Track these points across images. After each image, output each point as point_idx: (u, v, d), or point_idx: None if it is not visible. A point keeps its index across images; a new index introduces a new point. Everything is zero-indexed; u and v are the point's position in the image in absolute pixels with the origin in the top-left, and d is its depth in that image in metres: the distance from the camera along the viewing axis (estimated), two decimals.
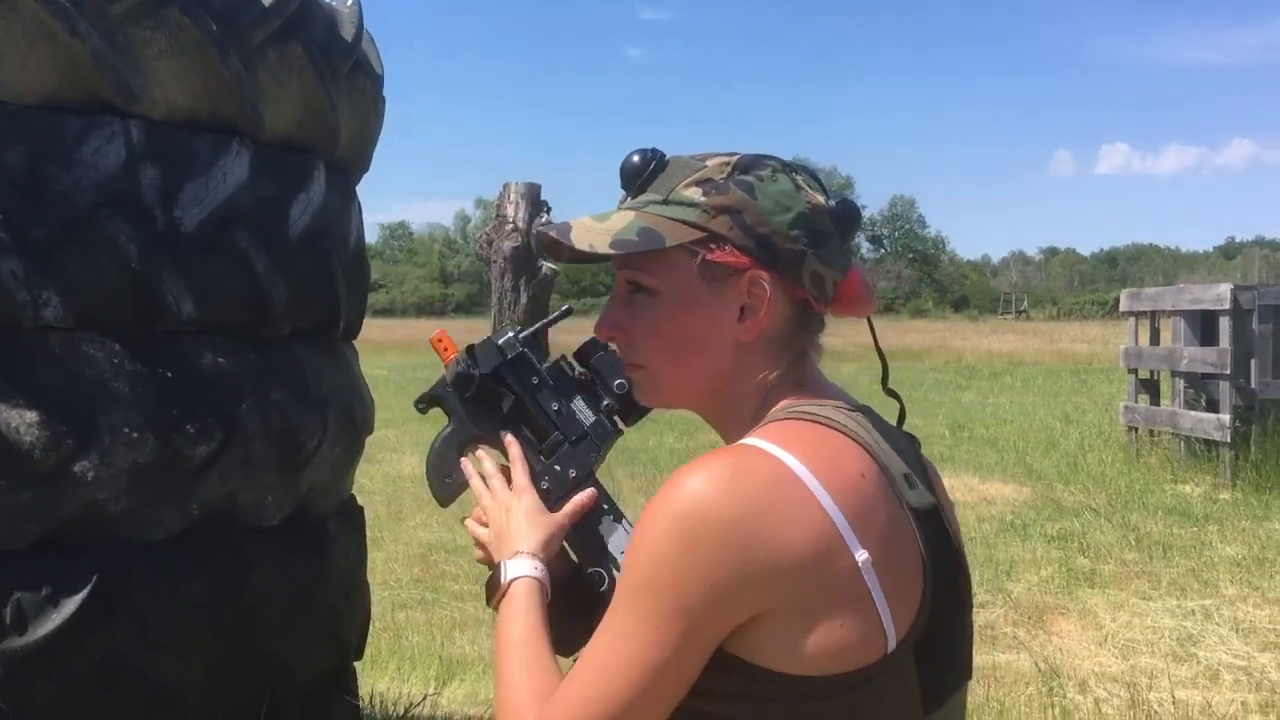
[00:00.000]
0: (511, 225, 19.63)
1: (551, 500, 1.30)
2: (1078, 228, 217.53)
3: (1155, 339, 9.06)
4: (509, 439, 1.34)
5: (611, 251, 1.10)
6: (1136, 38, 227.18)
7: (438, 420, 1.49)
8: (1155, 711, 3.60)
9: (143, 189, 2.12)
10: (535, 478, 1.32)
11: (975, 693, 3.81)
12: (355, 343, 2.80)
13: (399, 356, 22.75)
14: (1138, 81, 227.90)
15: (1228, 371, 7.55)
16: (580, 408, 1.36)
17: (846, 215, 1.13)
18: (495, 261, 20.19)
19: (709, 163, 1.12)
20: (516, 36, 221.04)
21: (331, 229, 2.48)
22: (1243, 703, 3.70)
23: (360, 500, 2.81)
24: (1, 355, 1.98)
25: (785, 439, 1.02)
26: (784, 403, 1.11)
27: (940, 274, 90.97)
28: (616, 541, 1.30)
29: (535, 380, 1.36)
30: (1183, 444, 8.20)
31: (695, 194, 1.10)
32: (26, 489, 1.98)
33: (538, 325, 1.43)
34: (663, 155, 1.15)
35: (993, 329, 38.25)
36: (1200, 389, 8.24)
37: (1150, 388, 9.12)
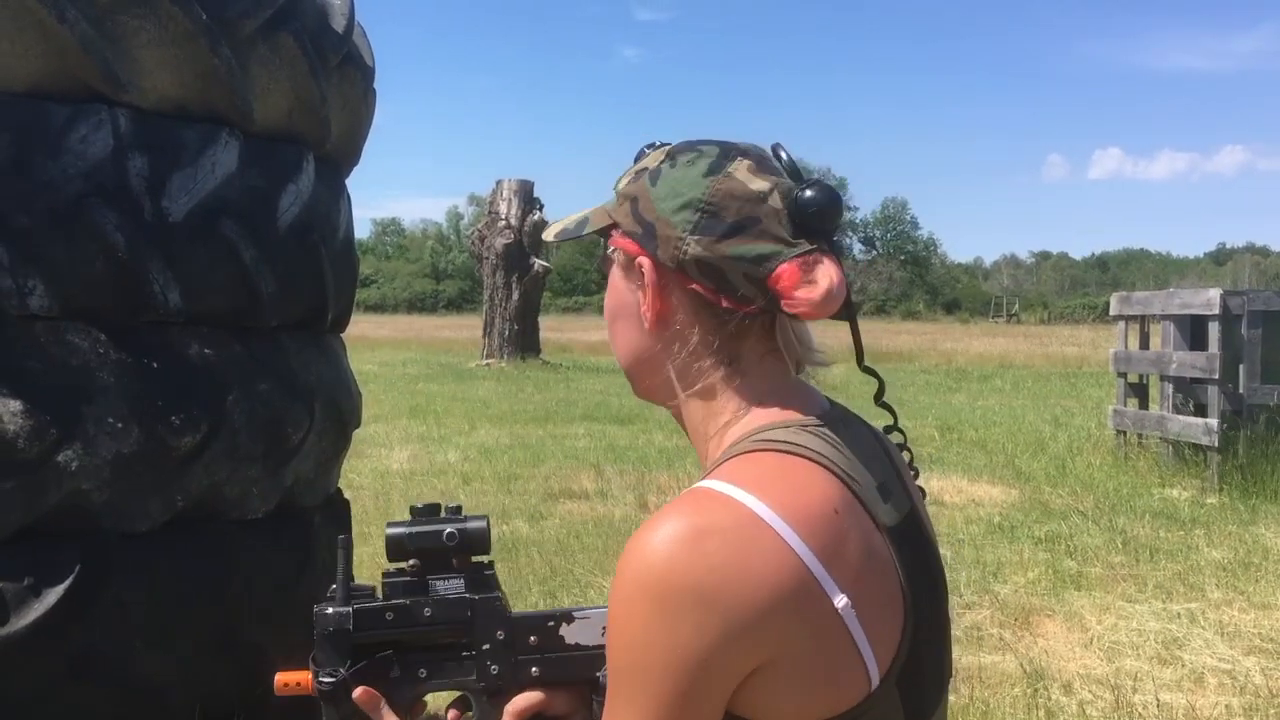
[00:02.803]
0: (504, 222, 19.63)
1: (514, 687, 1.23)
2: (1070, 232, 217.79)
3: (1145, 343, 9.07)
4: (357, 693, 1.21)
5: (555, 240, 1.16)
6: (1130, 43, 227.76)
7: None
8: (1140, 714, 3.60)
9: (130, 178, 2.11)
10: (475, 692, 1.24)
11: (960, 693, 3.81)
12: (345, 338, 2.79)
13: (389, 353, 22.72)
14: (1131, 87, 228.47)
15: (1216, 376, 7.57)
16: (445, 590, 1.25)
17: (813, 205, 1.01)
18: (487, 258, 20.19)
19: (655, 152, 1.09)
20: (512, 34, 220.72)
21: (320, 221, 2.47)
22: (1227, 706, 3.71)
23: (348, 495, 2.80)
24: None
25: (747, 478, 0.94)
26: (743, 423, 1.03)
27: (932, 276, 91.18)
28: (583, 633, 1.24)
29: (389, 616, 1.24)
30: (1170, 448, 8.22)
31: (623, 182, 1.09)
32: (9, 478, 1.97)
33: (341, 576, 1.26)
34: (663, 147, 1.10)
35: (983, 331, 38.33)
36: (1189, 394, 8.26)
37: (1139, 392, 9.14)
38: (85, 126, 2.07)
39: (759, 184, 1.02)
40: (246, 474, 2.23)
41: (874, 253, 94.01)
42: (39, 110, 2.04)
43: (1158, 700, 3.71)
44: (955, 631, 4.54)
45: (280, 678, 1.27)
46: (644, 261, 1.04)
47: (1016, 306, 72.70)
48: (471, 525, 1.24)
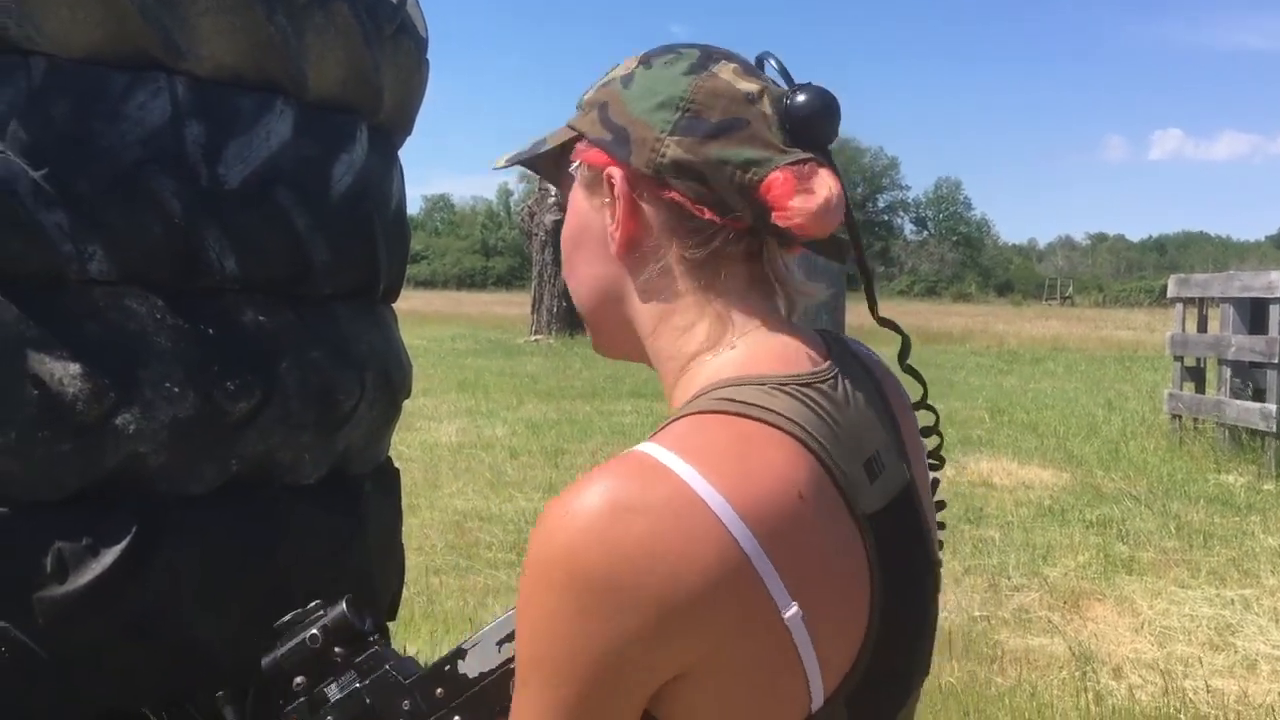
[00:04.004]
0: (553, 199, 19.64)
1: None
2: (1127, 214, 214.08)
3: (1203, 326, 8.90)
4: None
5: (505, 165, 1.01)
6: (1192, 22, 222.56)
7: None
8: (1190, 700, 3.55)
9: (187, 145, 2.13)
10: None
11: (1008, 675, 3.78)
12: (396, 313, 2.81)
13: (438, 328, 22.87)
14: (1193, 67, 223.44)
15: (1276, 360, 7.41)
16: (339, 691, 1.18)
17: (807, 110, 0.89)
18: (536, 234, 20.24)
19: (627, 60, 0.96)
20: (562, 10, 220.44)
21: (373, 190, 2.49)
22: (1279, 693, 3.65)
23: (398, 467, 2.82)
24: (46, 308, 2.00)
25: (693, 447, 0.79)
26: (715, 364, 0.90)
27: (984, 258, 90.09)
28: (483, 659, 1.16)
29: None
30: (1227, 433, 8.07)
31: (589, 94, 0.96)
32: (69, 440, 2.00)
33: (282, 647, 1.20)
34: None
35: (1037, 314, 37.79)
36: (1247, 378, 8.10)
37: (1196, 375, 8.98)
38: (144, 94, 2.09)
39: (746, 85, 0.90)
40: (299, 440, 2.26)
41: (926, 234, 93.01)
42: (99, 77, 2.07)
43: (1208, 686, 3.66)
44: (1002, 613, 4.50)
45: None
46: (614, 171, 0.90)
47: (1070, 289, 71.65)
48: (331, 616, 1.18)
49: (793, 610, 0.77)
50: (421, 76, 2.76)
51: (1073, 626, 4.41)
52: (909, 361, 1.01)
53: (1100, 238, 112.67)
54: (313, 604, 1.19)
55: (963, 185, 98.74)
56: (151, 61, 2.11)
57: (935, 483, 1.02)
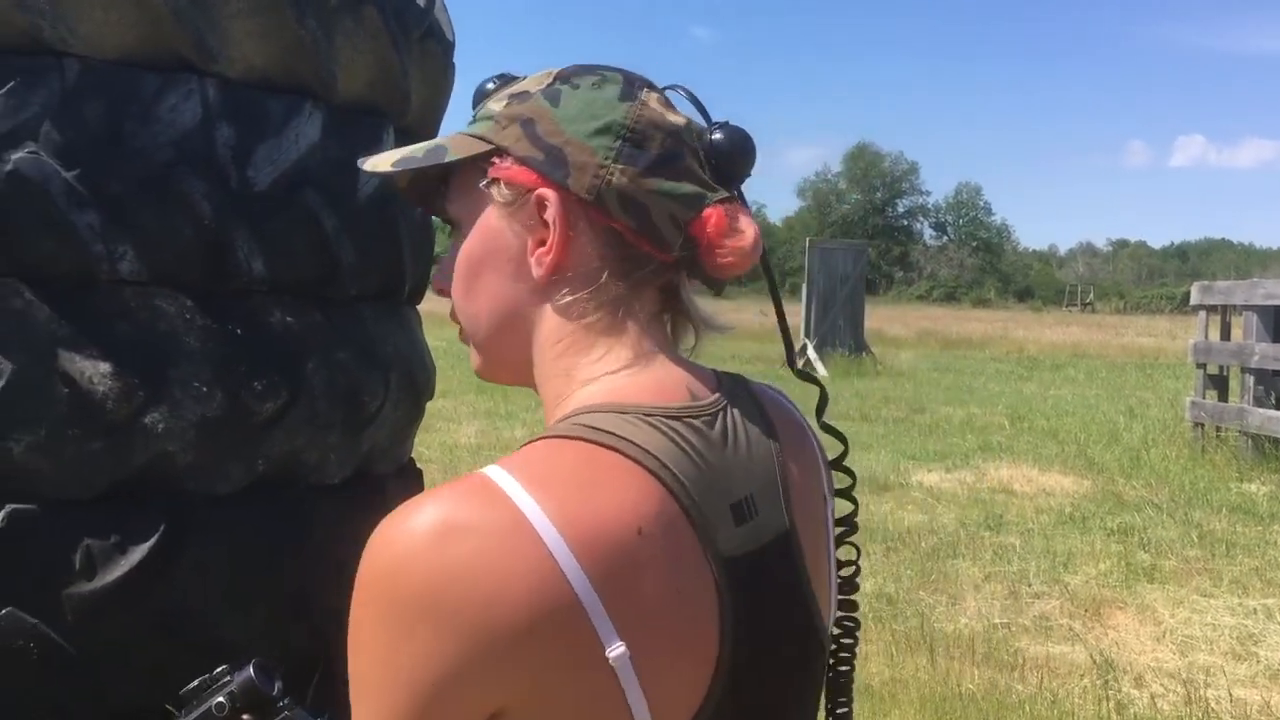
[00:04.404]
0: None
1: None
2: (1149, 220, 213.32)
3: (1226, 334, 8.86)
4: None
5: (392, 170, 0.97)
6: (1215, 26, 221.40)
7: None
8: (1212, 709, 3.54)
9: (217, 147, 2.15)
10: None
11: (1028, 682, 3.76)
12: (420, 315, 2.82)
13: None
14: (1216, 72, 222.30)
15: None
16: None
17: (727, 149, 0.90)
18: None
19: (533, 76, 0.96)
20: (582, 12, 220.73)
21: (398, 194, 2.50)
22: None
23: (420, 468, 2.84)
24: (77, 307, 2.02)
25: (534, 473, 0.78)
26: (587, 393, 0.89)
27: (1004, 263, 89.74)
28: None
29: None
30: (1250, 442, 8.02)
31: (499, 106, 0.94)
32: (99, 439, 2.02)
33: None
34: (512, 79, 0.98)
35: (1057, 320, 37.62)
36: (1271, 386, 8.05)
37: (1219, 384, 8.93)
38: (175, 96, 2.11)
39: (674, 118, 0.91)
40: (325, 440, 2.27)
41: (945, 239, 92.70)
42: (131, 79, 2.08)
43: (1231, 695, 3.64)
44: (1023, 620, 4.48)
45: None
46: (547, 194, 0.88)
47: (1091, 296, 71.26)
48: (238, 681, 1.15)
49: (619, 650, 0.74)
50: (448, 80, 2.77)
51: (1094, 634, 4.39)
52: (825, 419, 1.01)
53: (1121, 244, 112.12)
54: (219, 669, 1.16)
55: (983, 190, 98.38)
56: (183, 64, 2.13)
57: (850, 529, 1.00)
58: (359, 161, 1.01)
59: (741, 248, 0.88)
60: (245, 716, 1.13)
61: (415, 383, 2.57)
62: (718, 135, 0.91)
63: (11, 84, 2.00)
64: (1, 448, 2.00)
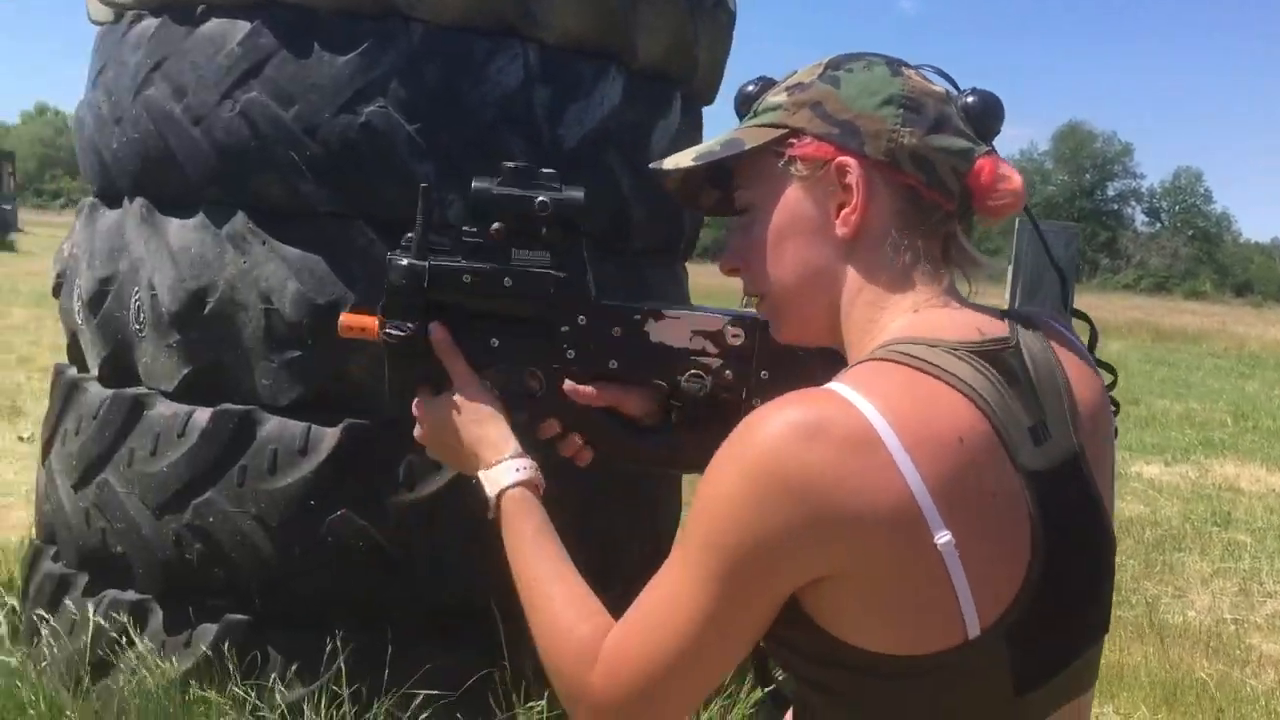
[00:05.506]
0: None
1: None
2: None
3: None
4: (436, 334, 1.17)
5: (694, 164, 1.05)
6: None
7: None
8: None
9: (535, 108, 2.34)
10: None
11: (1263, 678, 3.68)
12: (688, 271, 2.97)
13: None
14: None
15: None
16: (528, 261, 1.13)
17: (982, 109, 1.02)
18: None
19: (803, 68, 1.05)
20: None
21: None
22: None
23: None
24: None
25: (875, 389, 0.90)
26: (894, 328, 0.99)
27: (1222, 254, 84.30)
28: (669, 334, 1.16)
29: (467, 279, 1.14)
30: None
31: (781, 98, 1.03)
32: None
33: (419, 226, 1.15)
34: (771, 81, 1.08)
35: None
36: None
37: None
38: (503, 59, 2.31)
39: (936, 86, 1.02)
40: None
41: (1158, 226, 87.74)
42: (466, 43, 2.30)
43: None
44: (1255, 618, 4.35)
45: (345, 319, 1.19)
46: (848, 161, 0.98)
47: None
48: (567, 195, 1.13)
49: (945, 538, 0.85)
50: (727, 48, 2.90)
51: None
52: (1094, 354, 1.09)
53: None
54: (545, 170, 1.15)
55: (1204, 176, 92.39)
56: (510, 29, 2.32)
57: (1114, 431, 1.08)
58: (657, 163, 1.12)
59: (1015, 190, 1.00)
60: (545, 230, 1.13)
61: None
62: (971, 98, 1.03)
63: (366, 44, 2.24)
64: (343, 370, 2.25)
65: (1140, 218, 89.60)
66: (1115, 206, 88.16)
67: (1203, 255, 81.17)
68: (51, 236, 28.53)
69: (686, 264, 2.97)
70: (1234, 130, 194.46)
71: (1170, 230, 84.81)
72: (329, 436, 2.25)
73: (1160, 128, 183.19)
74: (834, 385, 0.91)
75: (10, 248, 21.70)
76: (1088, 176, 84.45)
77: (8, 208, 24.14)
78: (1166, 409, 10.33)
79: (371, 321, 1.18)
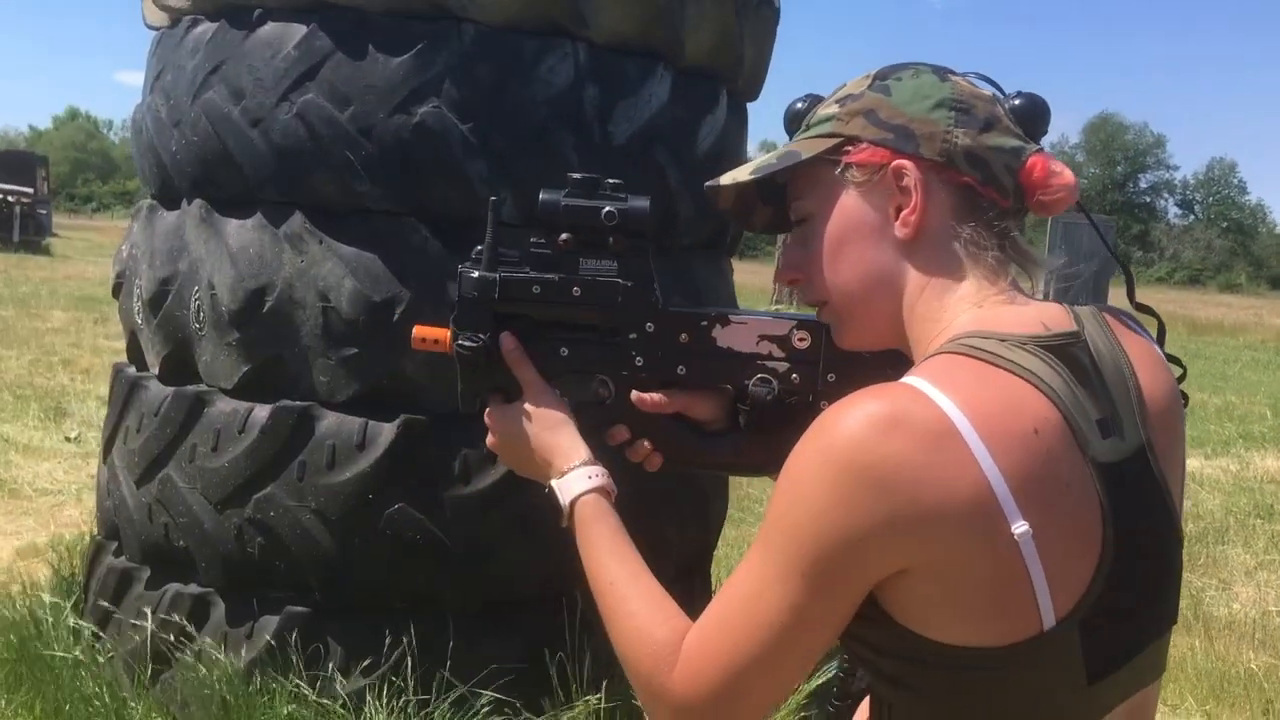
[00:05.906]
0: None
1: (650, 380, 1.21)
2: None
3: None
4: (507, 344, 1.22)
5: (751, 177, 1.09)
6: None
7: None
8: None
9: (585, 106, 2.37)
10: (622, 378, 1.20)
11: None
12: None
13: None
14: None
15: None
16: (596, 271, 1.16)
17: (1030, 110, 1.05)
18: None
19: (849, 82, 1.09)
20: None
21: (730, 151, 2.68)
22: None
23: None
24: (466, 245, 2.28)
25: (949, 382, 0.91)
26: (960, 323, 1.00)
27: (1258, 247, 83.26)
28: (736, 338, 1.18)
29: (536, 289, 1.18)
30: None
31: (832, 109, 1.07)
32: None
33: (489, 239, 1.21)
34: (819, 98, 1.12)
35: None
36: None
37: None
38: (552, 58, 2.34)
39: (984, 90, 1.05)
40: None
41: (1192, 218, 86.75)
42: (516, 43, 2.33)
43: None
44: None
45: (419, 331, 1.24)
46: (905, 164, 1.01)
47: None
48: (633, 205, 1.16)
49: (1022, 528, 0.87)
50: (771, 45, 2.92)
51: None
52: (1164, 348, 1.10)
53: None
54: (610, 180, 1.18)
55: (1238, 168, 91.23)
56: (559, 29, 2.36)
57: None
58: (714, 180, 1.16)
59: (1068, 184, 1.03)
60: (611, 239, 1.16)
61: None
62: (1018, 101, 1.06)
63: (420, 46, 2.28)
64: (399, 366, 2.29)
65: (1173, 210, 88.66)
66: (1148, 199, 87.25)
67: (1237, 247, 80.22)
68: (85, 241, 28.93)
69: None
70: (1268, 121, 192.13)
71: (1204, 222, 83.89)
72: (386, 432, 2.29)
73: (1193, 119, 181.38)
74: (909, 379, 0.93)
75: (46, 251, 21.98)
76: (1119, 169, 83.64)
77: (43, 211, 24.44)
78: (1204, 402, 10.24)
79: (444, 333, 1.22)
